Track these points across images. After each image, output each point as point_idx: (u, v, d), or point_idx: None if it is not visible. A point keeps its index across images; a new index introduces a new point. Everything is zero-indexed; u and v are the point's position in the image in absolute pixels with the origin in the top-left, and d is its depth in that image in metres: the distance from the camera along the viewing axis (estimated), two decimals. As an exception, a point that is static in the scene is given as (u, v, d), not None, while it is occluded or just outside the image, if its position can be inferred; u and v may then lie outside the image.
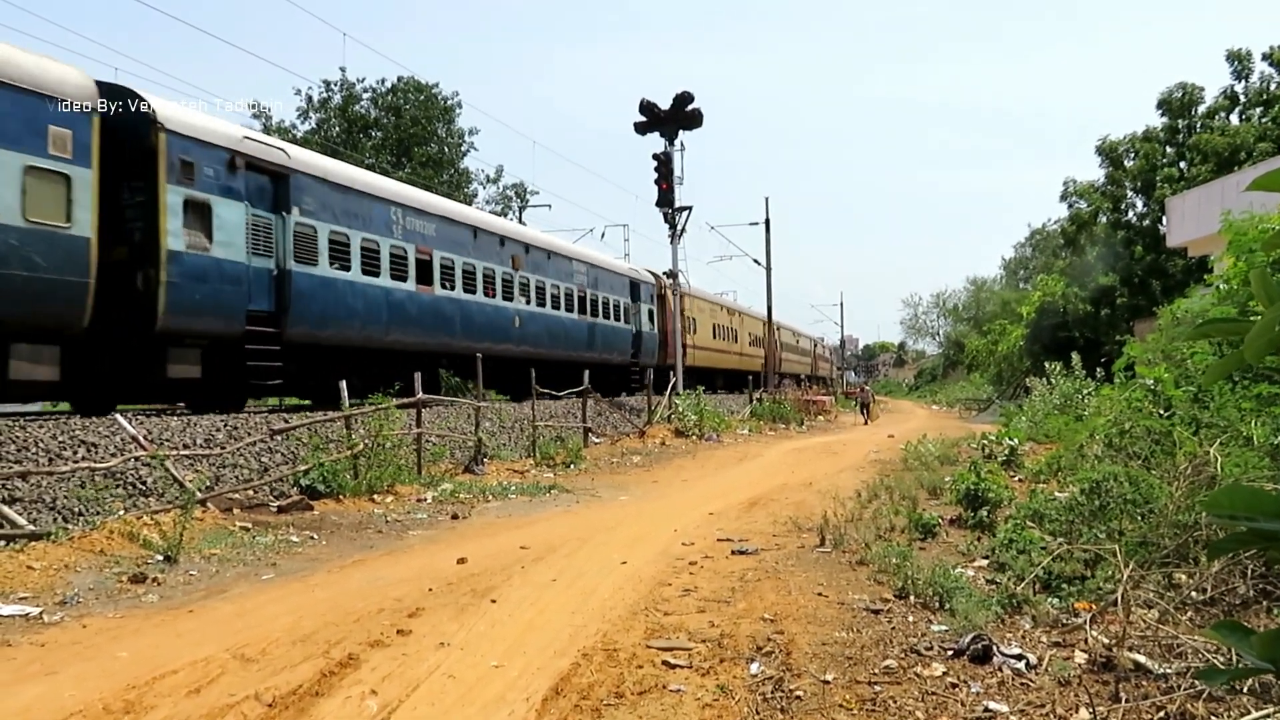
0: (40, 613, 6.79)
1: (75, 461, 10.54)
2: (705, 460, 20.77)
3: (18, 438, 10.51)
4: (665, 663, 5.53)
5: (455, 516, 11.88)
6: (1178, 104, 39.75)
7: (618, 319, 30.72)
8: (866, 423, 40.64)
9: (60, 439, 10.92)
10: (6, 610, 6.79)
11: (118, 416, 11.64)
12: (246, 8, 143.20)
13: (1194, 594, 6.12)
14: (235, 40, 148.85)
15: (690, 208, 32.50)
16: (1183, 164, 39.04)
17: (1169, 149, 40.22)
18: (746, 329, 49.25)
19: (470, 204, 44.53)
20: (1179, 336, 10.81)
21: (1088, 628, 5.77)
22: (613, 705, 4.86)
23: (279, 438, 13.45)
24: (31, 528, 8.99)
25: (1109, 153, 41.29)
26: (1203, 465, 7.45)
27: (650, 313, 34.13)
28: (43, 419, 11.99)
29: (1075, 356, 23.78)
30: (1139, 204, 41.34)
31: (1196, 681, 4.63)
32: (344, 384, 14.59)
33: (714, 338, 42.54)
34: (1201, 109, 39.70)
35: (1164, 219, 32.82)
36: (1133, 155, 40.80)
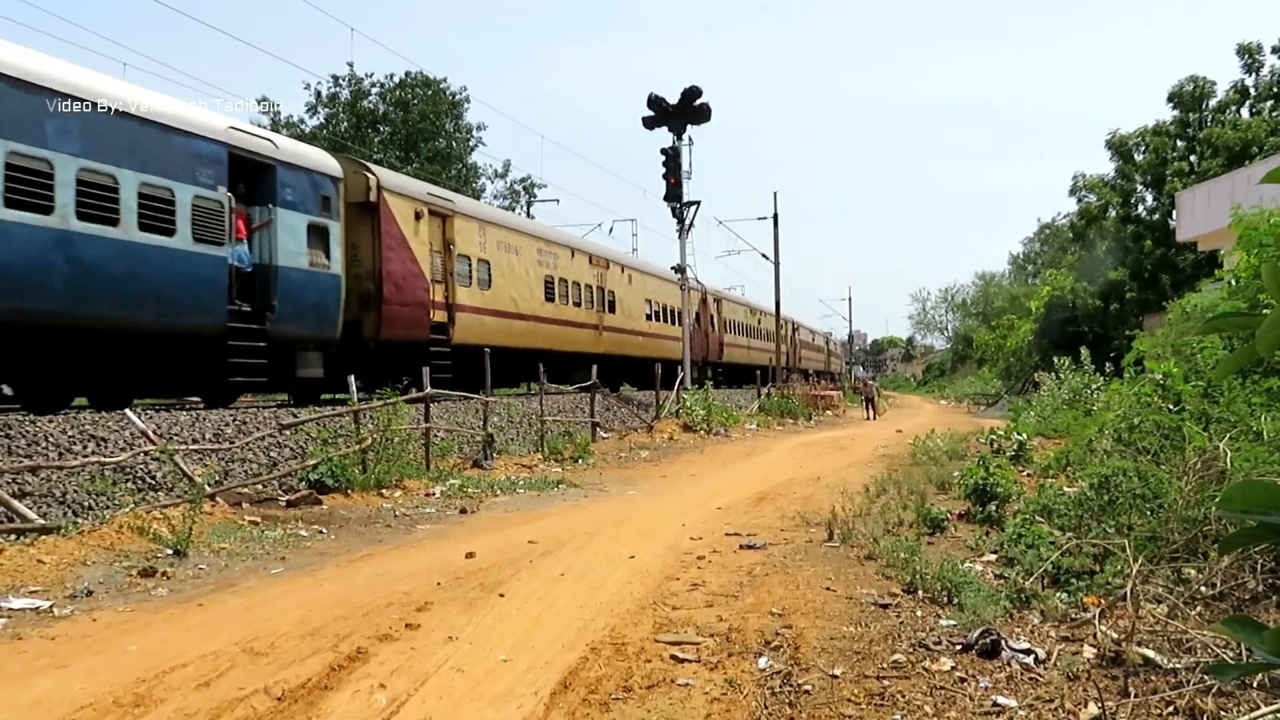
0: (50, 606, 6.82)
1: (85, 456, 10.58)
2: (713, 455, 20.77)
3: (28, 432, 10.55)
4: (673, 657, 5.53)
5: (463, 511, 11.89)
6: (1188, 98, 39.54)
7: (165, 231, 13.17)
8: (869, 417, 40.49)
9: (70, 434, 10.96)
10: (17, 604, 6.82)
11: (127, 412, 11.66)
12: (254, 2, 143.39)
13: (1203, 589, 6.10)
14: (243, 35, 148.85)
15: (698, 202, 32.45)
16: (1193, 158, 38.83)
17: (1179, 143, 40.00)
18: (642, 295, 33.44)
19: (479, 198, 44.44)
20: (1189, 331, 10.78)
21: (1097, 622, 5.76)
22: (621, 699, 4.86)
23: (287, 432, 13.47)
24: (42, 522, 9.03)
25: (1119, 147, 41.08)
26: (1212, 460, 7.42)
27: (318, 231, 16.29)
28: (53, 414, 12.02)
29: (1084, 351, 23.74)
30: (1149, 198, 41.12)
31: (1206, 676, 4.62)
32: (352, 378, 14.59)
33: (551, 300, 25.33)
34: (1213, 103, 39.50)
35: (1174, 213, 32.68)
36: (1143, 149, 40.61)
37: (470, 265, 21.51)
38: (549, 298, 25.38)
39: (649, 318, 33.93)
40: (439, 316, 19.94)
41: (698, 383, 31.20)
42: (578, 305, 27.39)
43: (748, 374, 44.50)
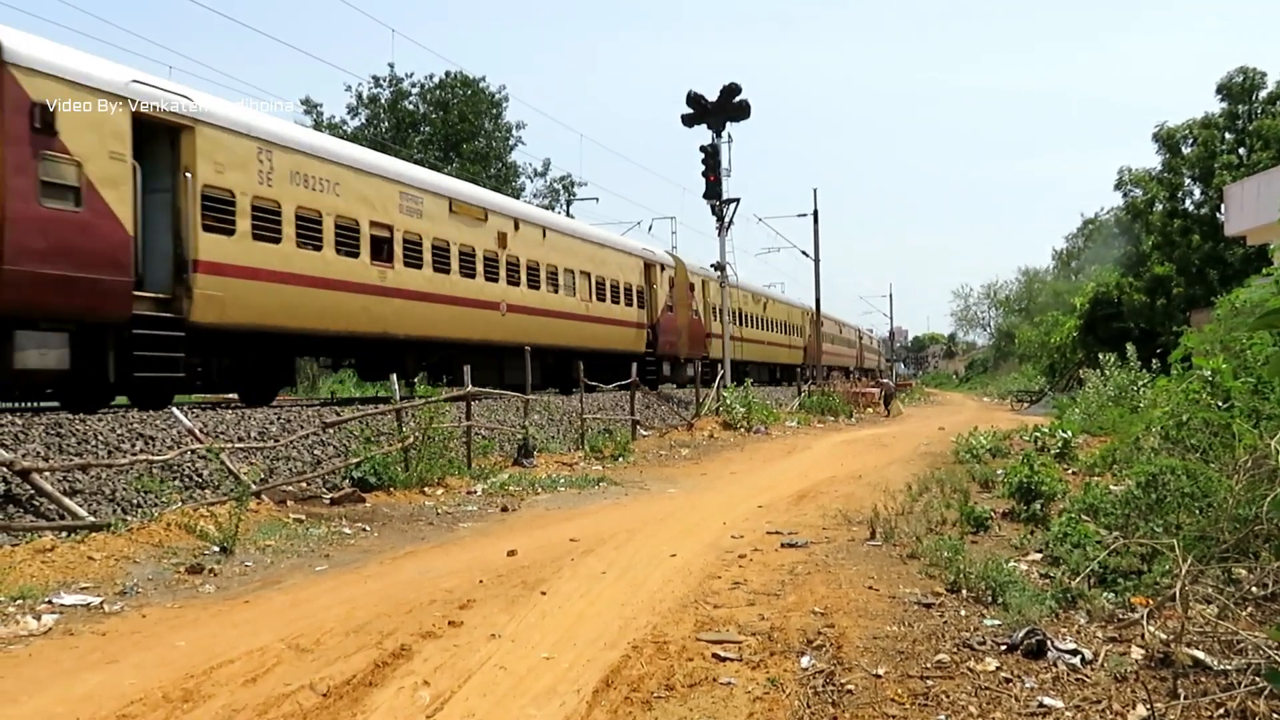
0: (101, 602, 6.94)
1: (134, 454, 10.75)
2: (753, 453, 20.71)
3: (78, 430, 10.74)
4: (715, 655, 5.52)
5: (505, 509, 11.95)
6: (1238, 89, 38.85)
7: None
8: (887, 415, 39.37)
9: (119, 432, 11.14)
10: (69, 599, 6.95)
11: (174, 410, 11.85)
12: (297, 4, 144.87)
13: (1254, 589, 6.00)
14: (286, 38, 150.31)
15: (738, 200, 32.38)
16: (1242, 150, 38.17)
17: (1228, 135, 39.31)
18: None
19: (518, 197, 44.65)
20: (1238, 327, 10.57)
21: (1145, 623, 5.68)
22: (663, 698, 4.86)
23: (330, 430, 13.61)
24: (92, 519, 9.19)
25: (1166, 139, 40.44)
26: (1263, 459, 7.28)
27: None
28: (102, 412, 12.23)
29: (1130, 347, 23.39)
30: (1196, 192, 40.45)
31: (1258, 678, 4.54)
32: (394, 376, 14.72)
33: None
34: (1263, 94, 38.77)
35: (1222, 207, 32.14)
36: (1190, 142, 39.96)
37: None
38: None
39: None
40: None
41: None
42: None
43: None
